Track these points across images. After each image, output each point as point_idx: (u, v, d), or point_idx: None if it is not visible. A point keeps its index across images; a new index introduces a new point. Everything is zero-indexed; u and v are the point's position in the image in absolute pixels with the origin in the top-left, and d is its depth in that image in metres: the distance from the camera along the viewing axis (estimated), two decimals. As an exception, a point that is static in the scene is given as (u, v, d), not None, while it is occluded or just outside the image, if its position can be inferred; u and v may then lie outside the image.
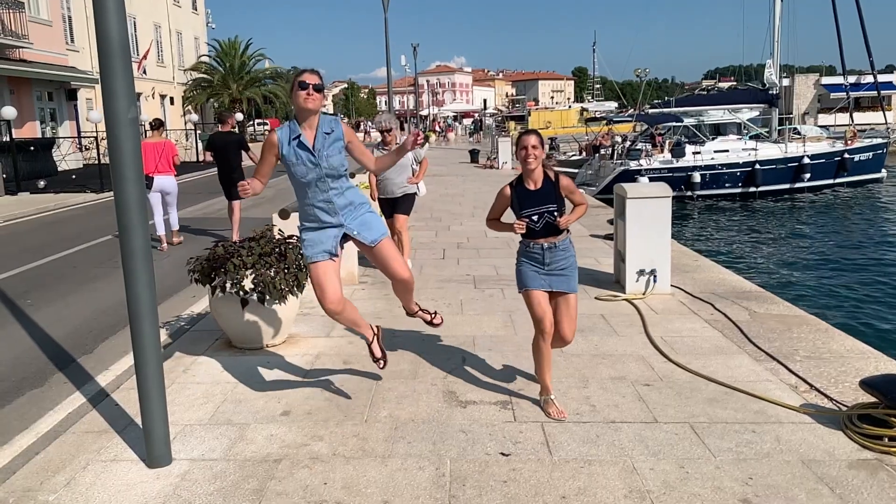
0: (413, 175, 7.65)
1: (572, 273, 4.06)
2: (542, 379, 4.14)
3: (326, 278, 3.77)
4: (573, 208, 4.14)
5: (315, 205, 3.75)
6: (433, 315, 4.35)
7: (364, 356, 5.10)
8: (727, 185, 22.90)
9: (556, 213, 3.94)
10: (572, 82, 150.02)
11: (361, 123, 61.00)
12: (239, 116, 30.25)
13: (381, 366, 4.16)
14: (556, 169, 4.12)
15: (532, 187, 4.00)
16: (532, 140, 3.94)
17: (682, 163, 22.51)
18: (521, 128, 57.93)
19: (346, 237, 3.88)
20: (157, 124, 10.60)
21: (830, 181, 23.97)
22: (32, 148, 20.84)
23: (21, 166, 18.92)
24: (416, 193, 7.85)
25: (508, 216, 4.14)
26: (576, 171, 25.26)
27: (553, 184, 4.01)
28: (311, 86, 3.63)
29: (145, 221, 3.39)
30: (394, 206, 7.63)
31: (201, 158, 28.20)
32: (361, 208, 3.87)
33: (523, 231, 3.95)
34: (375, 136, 7.80)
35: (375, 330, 4.14)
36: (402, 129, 51.57)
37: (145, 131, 25.37)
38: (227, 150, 10.01)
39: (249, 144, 10.54)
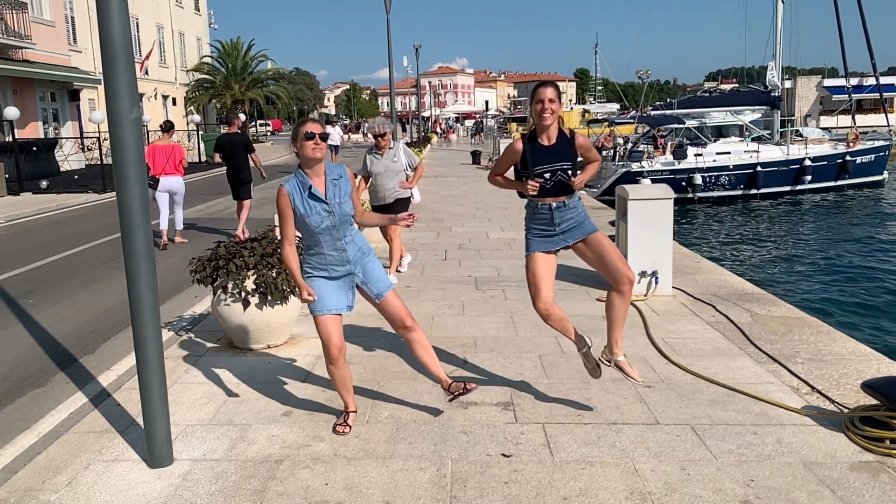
0: (407, 180, 7.50)
1: (585, 219, 3.85)
2: (568, 334, 3.96)
3: (334, 328, 3.79)
4: (586, 166, 3.89)
5: (327, 254, 3.74)
6: (465, 383, 3.94)
7: (366, 357, 5.11)
8: (729, 187, 22.89)
9: (569, 172, 3.73)
10: (574, 84, 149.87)
11: (362, 125, 60.98)
12: (241, 117, 30.27)
13: (342, 431, 3.92)
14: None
15: (546, 143, 3.77)
16: (549, 93, 3.68)
17: (683, 164, 22.50)
18: (521, 129, 57.88)
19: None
20: (168, 126, 10.94)
21: (832, 183, 23.96)
22: (35, 148, 20.87)
23: (23, 166, 18.94)
24: (409, 199, 7.72)
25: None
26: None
27: (569, 140, 3.79)
28: (317, 135, 3.65)
29: (147, 222, 3.40)
30: (386, 213, 7.55)
31: (203, 158, 28.27)
32: (368, 255, 3.88)
33: (535, 192, 3.72)
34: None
35: (354, 409, 4.03)
36: (403, 130, 51.48)
37: (148, 132, 25.41)
38: (234, 151, 10.26)
39: (254, 146, 10.81)
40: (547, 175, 3.72)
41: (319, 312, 3.77)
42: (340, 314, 3.82)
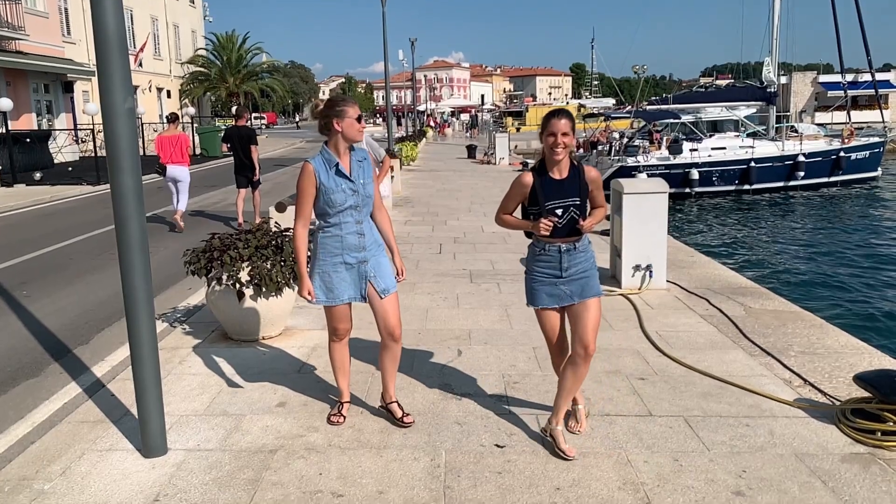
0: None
1: (593, 273, 3.55)
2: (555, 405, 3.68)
3: (343, 315, 3.84)
4: (592, 211, 3.57)
5: (346, 236, 3.70)
6: (405, 414, 3.92)
7: (361, 348, 5.12)
8: (723, 182, 22.95)
9: (580, 209, 3.45)
10: (570, 78, 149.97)
11: None
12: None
13: (337, 422, 3.95)
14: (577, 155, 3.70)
15: (557, 177, 3.46)
16: (562, 126, 3.35)
17: (679, 160, 22.54)
18: (516, 123, 57.76)
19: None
20: (174, 118, 11.81)
21: (825, 179, 24.03)
22: (28, 140, 20.78)
23: (17, 158, 18.85)
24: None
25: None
26: None
27: (578, 172, 3.49)
28: (362, 117, 3.72)
29: (142, 213, 3.39)
30: None
31: (198, 151, 28.19)
32: (381, 249, 3.86)
33: (549, 232, 3.40)
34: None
35: (348, 399, 4.06)
36: (399, 124, 51.28)
37: (142, 124, 25.30)
38: (241, 143, 10.86)
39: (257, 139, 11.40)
40: (559, 212, 3.42)
41: (331, 303, 3.76)
42: (350, 303, 3.83)
